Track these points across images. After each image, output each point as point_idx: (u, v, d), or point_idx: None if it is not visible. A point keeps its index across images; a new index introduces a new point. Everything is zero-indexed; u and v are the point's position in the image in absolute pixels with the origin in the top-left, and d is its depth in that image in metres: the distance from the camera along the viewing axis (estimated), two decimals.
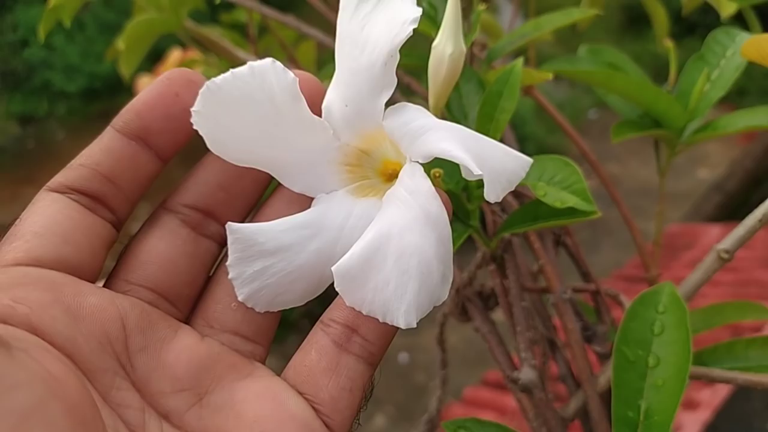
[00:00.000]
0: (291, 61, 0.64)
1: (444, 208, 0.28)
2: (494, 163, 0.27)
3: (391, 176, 0.32)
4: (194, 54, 0.80)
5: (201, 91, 0.29)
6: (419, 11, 0.29)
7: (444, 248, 0.28)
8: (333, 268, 0.28)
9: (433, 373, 0.55)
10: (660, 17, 0.71)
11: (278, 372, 0.31)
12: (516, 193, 0.48)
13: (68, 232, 0.29)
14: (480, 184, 0.37)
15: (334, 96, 0.31)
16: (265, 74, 0.29)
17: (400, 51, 0.29)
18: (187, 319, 0.32)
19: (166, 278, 0.31)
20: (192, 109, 0.29)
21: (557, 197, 0.37)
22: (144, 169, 0.31)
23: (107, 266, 0.31)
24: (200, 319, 0.32)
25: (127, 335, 0.28)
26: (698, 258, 0.43)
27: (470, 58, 0.48)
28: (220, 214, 0.32)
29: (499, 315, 0.48)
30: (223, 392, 0.29)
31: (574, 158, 0.39)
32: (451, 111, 0.42)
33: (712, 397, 1.34)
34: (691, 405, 1.32)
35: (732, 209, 2.88)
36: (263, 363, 0.32)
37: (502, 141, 0.35)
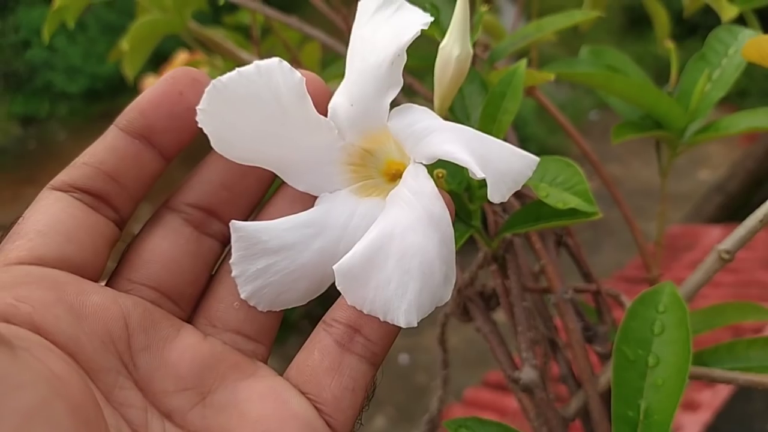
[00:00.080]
0: (295, 63, 0.64)
1: (447, 209, 0.28)
2: (499, 164, 0.27)
3: (395, 176, 0.32)
4: (200, 56, 0.80)
5: (207, 89, 0.29)
6: (430, 18, 0.29)
7: (447, 249, 0.28)
8: (334, 267, 0.29)
9: (434, 374, 0.55)
10: (661, 18, 0.71)
11: (279, 373, 0.31)
12: (518, 194, 0.48)
13: (71, 230, 0.29)
14: (482, 184, 0.37)
15: (340, 96, 0.31)
16: (272, 73, 0.29)
17: None
18: (190, 318, 0.32)
19: (168, 277, 0.31)
20: (197, 108, 0.29)
21: (559, 198, 0.37)
22: (147, 167, 0.31)
23: (109, 265, 0.31)
24: (203, 318, 0.32)
25: (130, 334, 0.28)
26: (699, 259, 0.43)
27: (473, 59, 0.48)
28: (223, 213, 0.32)
29: (500, 315, 0.48)
30: (226, 391, 0.29)
31: (576, 159, 0.40)
32: (453, 112, 0.42)
33: (713, 398, 1.34)
34: (691, 406, 1.32)
35: (733, 210, 2.88)
36: (265, 362, 0.32)
37: (504, 141, 0.35)
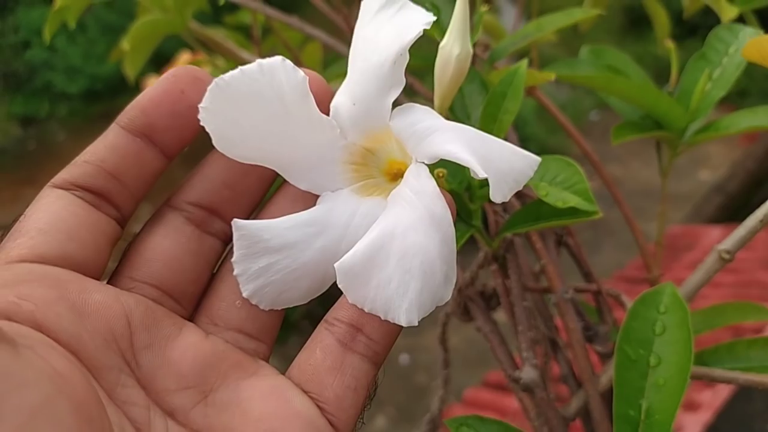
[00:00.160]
0: (296, 63, 0.64)
1: (448, 209, 0.28)
2: (501, 164, 0.27)
3: (396, 176, 0.32)
4: (203, 57, 0.80)
5: (209, 87, 0.29)
6: (433, 17, 0.29)
7: (447, 249, 0.28)
8: (336, 265, 0.29)
9: (434, 374, 0.55)
10: (661, 19, 0.71)
11: (280, 372, 0.31)
12: (518, 193, 0.48)
13: (73, 228, 0.29)
14: (483, 183, 0.37)
15: (342, 95, 0.31)
16: (275, 72, 0.29)
17: None
18: (191, 316, 0.32)
19: (170, 276, 0.31)
20: (200, 106, 0.29)
21: (559, 197, 0.38)
22: (149, 166, 0.31)
23: (109, 265, 0.31)
24: (204, 317, 0.32)
25: (132, 332, 0.28)
26: (699, 259, 0.43)
27: (473, 59, 0.48)
28: (224, 211, 0.32)
29: (501, 315, 0.48)
30: (228, 390, 0.29)
31: (576, 159, 0.40)
32: (454, 111, 0.42)
33: (713, 398, 1.34)
34: (692, 406, 1.32)
35: (733, 210, 2.88)
36: (267, 361, 0.32)
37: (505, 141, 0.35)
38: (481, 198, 0.38)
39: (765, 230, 0.40)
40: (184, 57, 0.84)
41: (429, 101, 0.37)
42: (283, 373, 0.31)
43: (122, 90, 3.89)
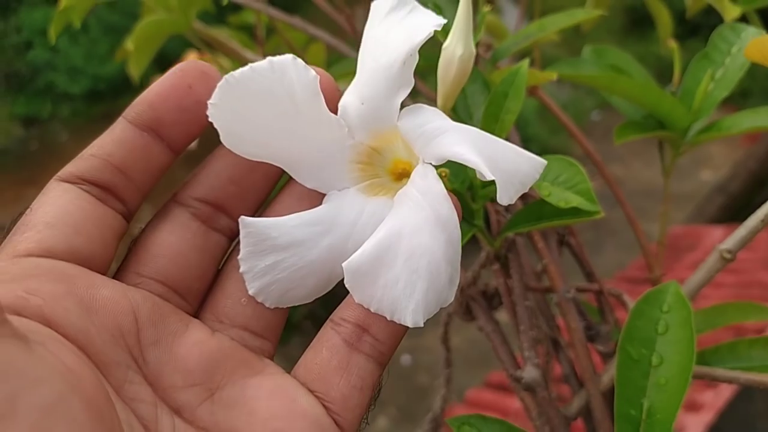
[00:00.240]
0: None
1: (455, 211, 0.28)
2: (508, 166, 0.28)
3: (401, 175, 0.32)
4: (209, 57, 0.80)
5: (219, 84, 0.29)
6: (443, 20, 0.30)
7: (453, 250, 0.28)
8: (344, 265, 0.29)
9: (436, 375, 0.55)
10: (664, 18, 0.71)
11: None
12: None
13: (79, 223, 0.28)
14: (485, 183, 0.37)
15: (351, 95, 0.31)
16: (286, 70, 0.29)
17: None
18: (196, 313, 0.32)
19: (176, 271, 0.30)
20: (209, 102, 0.29)
21: (561, 197, 0.38)
22: (156, 160, 0.31)
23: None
24: (209, 314, 0.31)
25: (140, 328, 0.28)
26: (701, 260, 0.43)
27: (475, 59, 0.48)
28: (230, 207, 0.32)
29: (503, 316, 0.48)
30: (235, 388, 0.29)
31: (578, 159, 0.40)
32: (456, 111, 0.43)
33: (715, 398, 1.34)
34: (694, 407, 1.32)
35: (735, 211, 2.87)
36: (271, 360, 0.32)
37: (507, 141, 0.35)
38: (484, 197, 0.38)
39: (766, 230, 0.40)
40: (191, 57, 0.84)
41: (431, 101, 0.38)
42: (287, 373, 0.31)
43: (124, 90, 3.90)
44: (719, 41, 0.52)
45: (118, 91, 4.03)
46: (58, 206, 0.29)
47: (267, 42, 0.73)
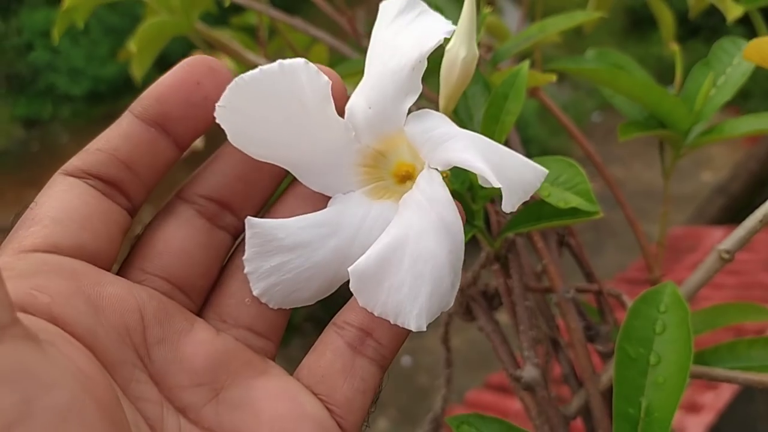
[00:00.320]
0: None
1: (459, 217, 0.28)
2: (513, 174, 0.28)
3: (404, 178, 0.32)
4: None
5: (229, 86, 0.29)
6: (452, 26, 0.30)
7: (456, 256, 0.28)
8: (350, 268, 0.29)
9: (436, 376, 0.55)
10: (666, 20, 0.71)
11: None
12: None
13: (85, 218, 0.28)
14: (485, 184, 0.38)
15: (358, 98, 0.31)
16: (297, 73, 0.29)
17: None
18: (200, 311, 0.31)
19: (181, 269, 0.30)
20: (217, 104, 0.29)
21: (561, 197, 0.38)
22: (162, 156, 0.30)
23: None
24: (213, 313, 0.31)
25: (146, 326, 0.28)
26: (701, 261, 0.44)
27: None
28: (235, 205, 0.31)
29: (503, 317, 0.48)
30: (240, 389, 0.29)
31: (578, 160, 0.40)
32: (457, 112, 0.43)
33: (716, 400, 1.34)
34: (694, 408, 1.32)
35: (736, 212, 2.88)
36: (274, 360, 0.32)
37: (507, 143, 0.35)
38: (483, 198, 0.39)
39: (767, 232, 0.41)
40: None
41: (432, 103, 0.38)
42: (290, 375, 0.31)
43: (125, 92, 3.91)
44: (720, 52, 0.52)
45: (118, 93, 4.03)
46: (63, 201, 0.28)
47: (269, 43, 0.73)
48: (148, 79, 0.35)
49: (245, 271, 0.30)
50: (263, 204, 0.33)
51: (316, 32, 0.62)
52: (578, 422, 0.46)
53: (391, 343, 0.31)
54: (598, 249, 3.00)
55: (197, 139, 0.32)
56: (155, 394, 0.27)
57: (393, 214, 0.30)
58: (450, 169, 0.31)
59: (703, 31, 3.46)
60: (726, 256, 0.41)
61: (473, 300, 0.48)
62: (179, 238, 0.30)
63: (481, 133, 0.29)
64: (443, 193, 0.29)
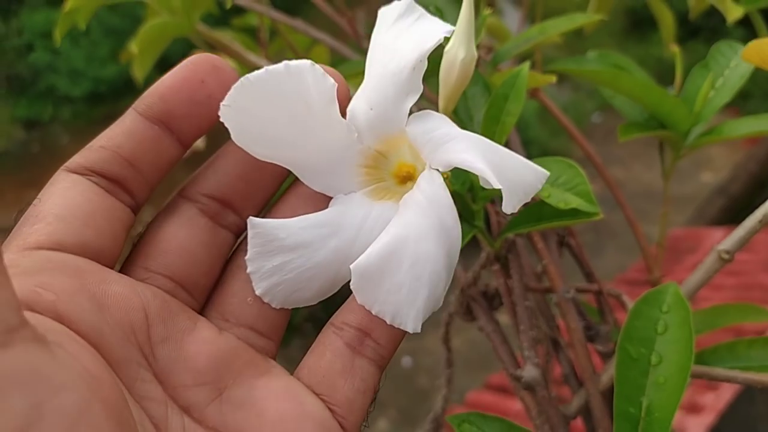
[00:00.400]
0: None
1: (458, 221, 0.29)
2: (513, 176, 0.28)
3: (405, 178, 0.32)
4: None
5: (234, 85, 0.29)
6: (451, 27, 0.30)
7: (451, 260, 0.29)
8: (351, 267, 0.29)
9: (437, 377, 0.55)
10: (667, 21, 0.71)
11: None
12: None
13: (89, 215, 0.28)
14: (486, 185, 0.38)
15: (360, 100, 0.32)
16: (303, 75, 0.29)
17: None
18: (202, 310, 0.31)
19: (184, 267, 0.30)
20: (222, 103, 0.29)
21: (561, 198, 0.38)
22: (165, 153, 0.30)
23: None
24: (215, 312, 0.31)
25: (150, 325, 0.28)
26: (701, 262, 0.44)
27: (476, 61, 0.49)
28: (237, 204, 0.31)
29: (503, 317, 0.48)
30: (243, 388, 0.29)
31: (578, 161, 0.40)
32: (457, 113, 0.43)
33: (716, 400, 1.34)
34: (695, 408, 1.32)
35: (736, 213, 2.88)
36: (275, 360, 0.32)
37: (507, 144, 0.35)
38: (484, 199, 0.39)
39: (766, 232, 0.41)
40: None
41: (433, 104, 0.38)
42: (291, 375, 0.31)
43: (126, 93, 3.91)
44: (718, 55, 0.52)
45: (119, 94, 4.04)
46: (67, 198, 0.28)
47: (270, 44, 0.73)
48: (150, 81, 0.35)
49: (248, 270, 0.30)
50: (265, 203, 0.33)
51: (316, 33, 0.62)
52: (578, 422, 0.46)
53: (389, 343, 0.31)
54: (598, 250, 3.00)
55: (198, 139, 0.32)
56: (160, 393, 0.27)
57: (393, 215, 0.30)
58: (451, 170, 0.32)
59: (703, 32, 3.46)
60: (726, 256, 0.42)
61: (473, 300, 0.48)
62: (182, 236, 0.30)
63: (482, 134, 0.30)
64: (444, 194, 0.29)
